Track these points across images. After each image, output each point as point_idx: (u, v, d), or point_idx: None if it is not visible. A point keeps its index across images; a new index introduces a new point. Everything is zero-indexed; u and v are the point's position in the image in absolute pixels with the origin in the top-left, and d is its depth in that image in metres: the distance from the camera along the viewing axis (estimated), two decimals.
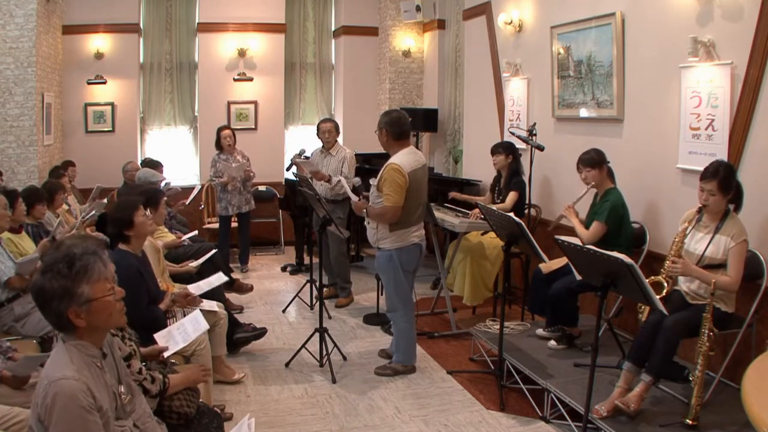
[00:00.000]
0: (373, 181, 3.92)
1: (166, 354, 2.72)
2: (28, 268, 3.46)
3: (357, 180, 4.13)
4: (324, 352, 4.11)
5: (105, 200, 4.95)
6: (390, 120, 3.83)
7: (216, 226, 7.05)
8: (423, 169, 3.87)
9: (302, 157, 5.51)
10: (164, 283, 3.71)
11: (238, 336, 4.25)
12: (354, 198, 4.11)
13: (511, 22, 5.51)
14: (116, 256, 3.07)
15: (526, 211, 4.88)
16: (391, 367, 4.04)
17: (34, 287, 1.72)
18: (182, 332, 2.93)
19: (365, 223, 4.17)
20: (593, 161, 3.87)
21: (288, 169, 5.79)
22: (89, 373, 1.71)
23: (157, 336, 2.83)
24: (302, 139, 7.92)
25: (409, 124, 3.91)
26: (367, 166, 6.87)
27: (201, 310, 3.49)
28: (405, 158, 3.76)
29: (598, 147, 4.01)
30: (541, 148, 4.48)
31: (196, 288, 3.62)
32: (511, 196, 4.81)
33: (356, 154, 5.56)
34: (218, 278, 3.81)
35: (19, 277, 3.47)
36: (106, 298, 1.75)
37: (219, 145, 6.34)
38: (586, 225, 3.90)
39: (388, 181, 3.71)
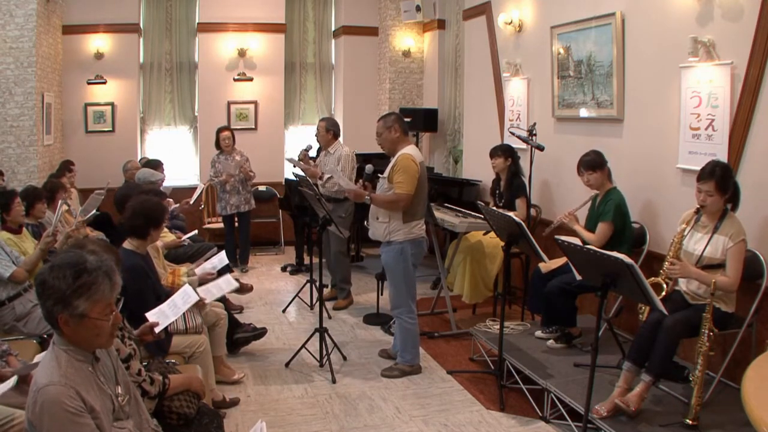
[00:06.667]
0: (382, 176, 3.94)
1: (156, 329, 2.70)
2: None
3: (369, 167, 4.13)
4: (324, 352, 4.11)
5: (102, 193, 4.88)
6: (395, 117, 3.96)
7: (215, 226, 7.10)
8: (424, 165, 3.95)
9: (308, 153, 5.56)
10: (170, 276, 3.70)
11: (238, 336, 4.26)
12: (352, 187, 4.08)
13: (511, 22, 5.50)
14: (124, 255, 3.10)
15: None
16: (398, 368, 4.03)
17: (40, 276, 1.72)
18: (172, 306, 2.91)
19: (366, 224, 4.17)
20: (595, 164, 3.86)
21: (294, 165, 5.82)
22: (78, 377, 1.70)
23: (148, 315, 2.82)
24: (302, 139, 7.90)
25: None
26: (365, 165, 6.87)
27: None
28: (414, 150, 3.88)
29: (598, 147, 4.02)
30: (541, 148, 4.48)
31: (206, 292, 3.58)
32: (521, 204, 4.80)
33: (356, 154, 5.57)
34: (228, 283, 3.76)
35: (23, 271, 3.49)
36: (101, 321, 1.72)
37: (218, 145, 6.41)
38: (589, 229, 3.90)
39: (402, 169, 3.76)
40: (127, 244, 3.27)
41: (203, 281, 3.81)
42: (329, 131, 5.37)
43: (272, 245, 7.74)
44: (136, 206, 3.32)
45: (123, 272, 2.85)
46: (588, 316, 4.20)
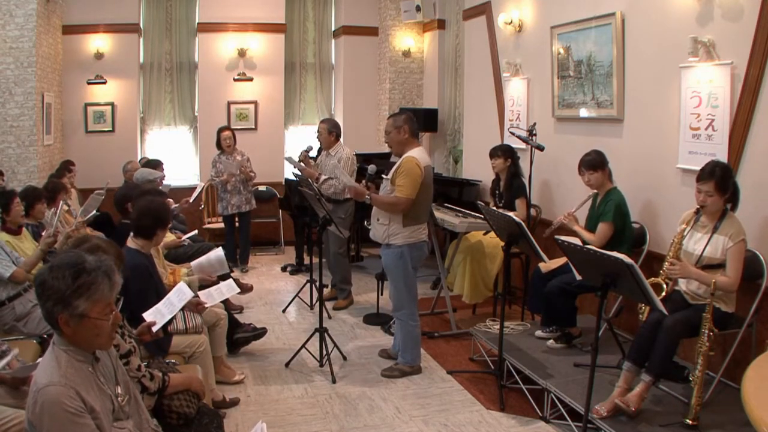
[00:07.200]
0: (385, 176, 3.92)
1: (154, 329, 2.70)
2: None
3: (372, 167, 4.10)
4: (324, 352, 4.11)
5: (102, 194, 4.88)
6: (406, 117, 3.90)
7: (215, 226, 7.11)
8: (431, 168, 3.93)
9: (308, 154, 5.55)
10: (170, 276, 3.70)
11: (238, 336, 4.26)
12: (353, 184, 4.05)
13: (511, 22, 5.51)
14: (128, 254, 3.11)
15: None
16: (398, 368, 4.03)
17: (39, 277, 1.72)
18: (168, 305, 2.91)
19: (366, 224, 4.17)
20: (596, 163, 3.87)
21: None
22: (78, 377, 1.70)
23: (145, 315, 2.82)
24: (302, 139, 7.91)
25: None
26: (368, 166, 6.86)
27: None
28: (420, 154, 3.84)
29: (598, 147, 4.02)
30: (541, 148, 4.48)
31: (207, 296, 3.58)
32: (521, 205, 4.80)
33: (356, 155, 5.58)
34: (229, 288, 3.76)
35: (23, 271, 3.49)
36: (101, 321, 1.72)
37: (219, 145, 6.41)
38: (588, 229, 3.90)
39: (405, 172, 3.73)
40: (132, 243, 3.26)
41: (202, 282, 3.80)
42: (331, 133, 5.36)
43: (272, 245, 7.74)
44: (144, 207, 3.31)
45: (126, 270, 2.86)
46: (588, 316, 4.20)
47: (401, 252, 3.84)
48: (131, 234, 3.30)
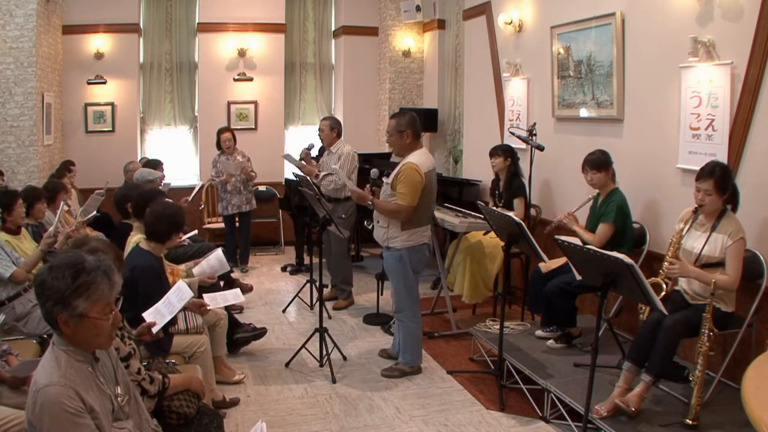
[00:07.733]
0: (386, 180, 3.91)
1: (154, 329, 2.70)
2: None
3: (375, 171, 4.07)
4: (324, 352, 4.11)
5: (102, 194, 4.87)
6: (410, 120, 3.82)
7: (215, 226, 7.11)
8: (434, 171, 3.90)
9: (310, 152, 5.55)
10: (170, 276, 3.70)
11: (238, 336, 4.26)
12: (355, 188, 4.04)
13: (511, 22, 5.51)
14: (140, 255, 3.11)
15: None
16: (398, 368, 4.03)
17: (39, 277, 1.73)
18: (167, 304, 2.90)
19: (366, 224, 4.16)
20: (600, 163, 3.85)
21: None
22: (78, 377, 1.70)
23: (144, 315, 2.82)
24: (302, 139, 7.90)
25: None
26: (367, 166, 6.86)
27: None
28: (421, 158, 3.79)
29: (598, 147, 4.01)
30: (541, 148, 4.48)
31: (211, 300, 3.57)
32: (519, 205, 4.80)
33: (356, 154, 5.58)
34: (235, 296, 3.75)
35: (23, 271, 3.49)
36: (100, 321, 1.72)
37: (220, 146, 6.42)
38: (589, 229, 3.90)
39: (405, 179, 3.70)
40: (144, 245, 3.28)
41: (202, 284, 3.80)
42: (333, 129, 5.36)
43: (272, 245, 7.74)
44: (159, 212, 3.32)
45: (138, 270, 2.87)
46: (588, 316, 4.20)
47: (400, 255, 3.83)
48: (145, 237, 3.32)
